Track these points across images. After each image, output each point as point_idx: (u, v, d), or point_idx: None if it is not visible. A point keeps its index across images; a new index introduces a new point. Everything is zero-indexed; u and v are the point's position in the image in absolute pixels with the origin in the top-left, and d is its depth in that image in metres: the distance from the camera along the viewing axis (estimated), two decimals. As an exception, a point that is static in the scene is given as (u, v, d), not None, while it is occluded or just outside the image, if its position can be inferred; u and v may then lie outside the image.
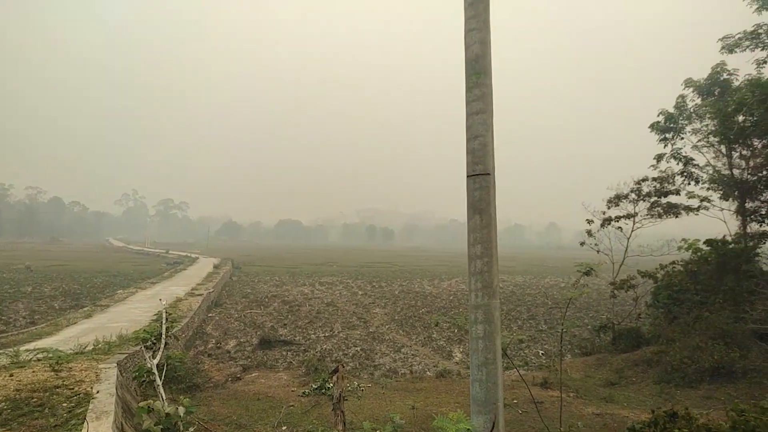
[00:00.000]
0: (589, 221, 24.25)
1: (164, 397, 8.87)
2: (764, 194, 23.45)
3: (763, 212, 23.43)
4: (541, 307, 36.30)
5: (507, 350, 22.72)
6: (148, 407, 7.24)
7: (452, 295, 41.58)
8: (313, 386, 15.52)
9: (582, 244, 24.81)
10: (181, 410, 7.64)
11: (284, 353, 21.90)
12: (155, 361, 10.05)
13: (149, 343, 11.07)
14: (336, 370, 9.62)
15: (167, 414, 7.34)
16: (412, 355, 22.24)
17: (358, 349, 23.00)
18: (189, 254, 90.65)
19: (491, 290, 5.81)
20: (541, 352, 23.39)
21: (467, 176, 6.01)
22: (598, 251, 23.71)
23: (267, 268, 68.53)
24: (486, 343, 5.64)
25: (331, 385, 10.96)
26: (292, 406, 13.77)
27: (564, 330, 10.20)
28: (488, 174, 5.98)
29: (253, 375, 18.15)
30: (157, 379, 9.42)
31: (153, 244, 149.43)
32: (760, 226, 23.60)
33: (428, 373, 19.32)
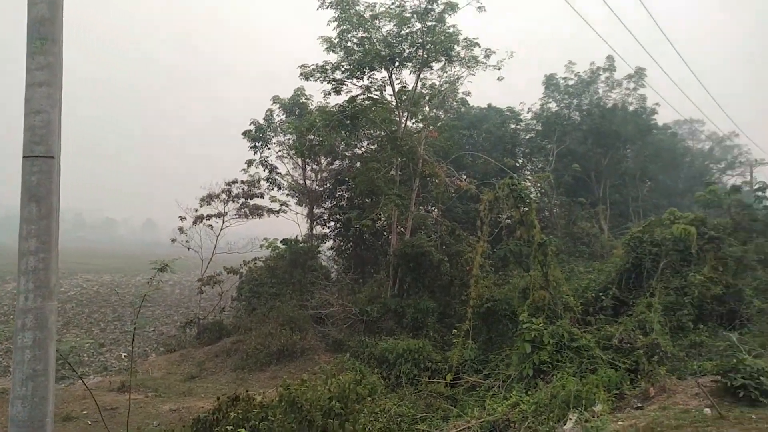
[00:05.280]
0: (182, 218, 24.41)
1: None
2: (327, 203, 28.75)
3: (326, 217, 28.71)
4: (129, 306, 34.19)
5: (82, 357, 20.17)
6: None
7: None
8: None
9: (173, 241, 24.73)
10: None
11: None
12: None
13: None
14: None
15: None
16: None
17: None
18: None
19: (47, 291, 5.08)
20: (123, 354, 21.92)
21: (24, 157, 5.10)
22: (189, 248, 24.09)
23: None
24: (36, 352, 4.88)
25: None
26: None
27: (135, 328, 9.93)
28: (52, 157, 5.24)
29: None
30: None
31: None
32: (323, 228, 28.82)
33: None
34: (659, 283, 14.95)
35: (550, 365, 11.13)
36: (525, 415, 8.79)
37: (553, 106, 34.08)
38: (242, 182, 25.46)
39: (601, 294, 15.50)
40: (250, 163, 26.21)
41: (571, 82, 33.70)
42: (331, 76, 21.59)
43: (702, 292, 14.28)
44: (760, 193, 21.09)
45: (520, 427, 8.36)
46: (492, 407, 9.90)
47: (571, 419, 8.00)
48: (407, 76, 22.74)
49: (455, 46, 21.35)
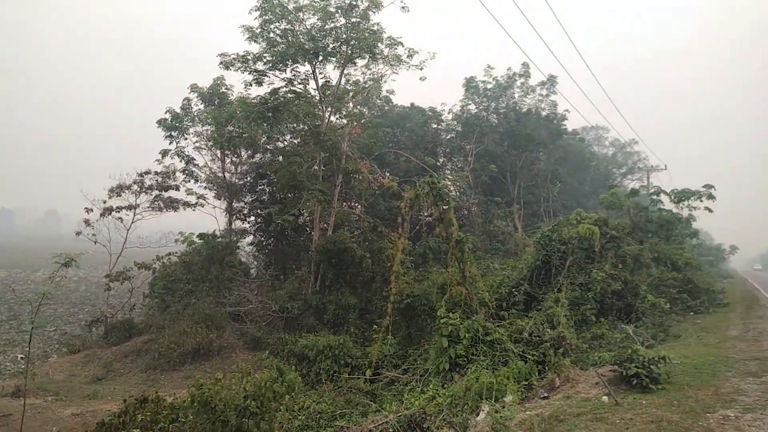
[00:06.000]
0: (88, 210, 22.79)
1: None
2: (247, 197, 28.00)
3: (246, 212, 27.95)
4: (28, 304, 31.54)
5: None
6: None
7: None
8: None
9: (78, 234, 23.04)
10: None
11: None
12: None
13: None
14: None
15: None
16: None
17: None
18: None
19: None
20: (20, 356, 20.26)
21: None
22: (95, 242, 22.60)
23: None
24: None
25: None
26: None
27: (34, 327, 9.16)
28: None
29: None
30: None
31: None
32: (243, 223, 28.05)
33: None
34: (566, 279, 15.96)
35: (465, 359, 11.54)
36: (441, 407, 9.07)
37: (472, 108, 35.30)
38: (156, 173, 24.17)
39: (513, 290, 16.30)
40: (165, 153, 24.93)
41: (489, 86, 35.02)
42: (253, 67, 21.03)
43: (603, 287, 15.42)
44: (655, 197, 23.02)
45: (435, 420, 8.61)
46: (410, 401, 10.13)
47: (483, 410, 8.35)
48: (331, 72, 22.66)
49: (379, 44, 21.50)
